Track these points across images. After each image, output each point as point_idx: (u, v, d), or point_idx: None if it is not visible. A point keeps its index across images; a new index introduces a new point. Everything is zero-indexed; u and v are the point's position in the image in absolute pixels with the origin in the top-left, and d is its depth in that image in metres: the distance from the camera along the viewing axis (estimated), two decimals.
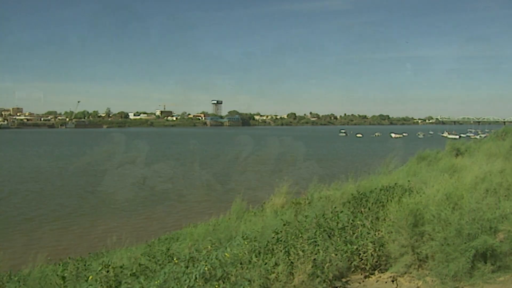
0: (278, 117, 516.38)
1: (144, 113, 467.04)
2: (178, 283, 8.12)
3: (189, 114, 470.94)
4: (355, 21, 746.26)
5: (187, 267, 8.91)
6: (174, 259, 10.18)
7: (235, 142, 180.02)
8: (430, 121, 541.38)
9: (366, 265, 10.85)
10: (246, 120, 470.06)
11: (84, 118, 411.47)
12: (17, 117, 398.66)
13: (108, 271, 8.80)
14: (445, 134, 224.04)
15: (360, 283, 10.42)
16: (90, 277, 8.33)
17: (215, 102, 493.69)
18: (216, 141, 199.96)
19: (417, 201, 11.14)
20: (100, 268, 9.05)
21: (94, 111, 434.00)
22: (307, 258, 9.29)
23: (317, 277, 9.03)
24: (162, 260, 11.06)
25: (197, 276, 8.06)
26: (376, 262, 10.98)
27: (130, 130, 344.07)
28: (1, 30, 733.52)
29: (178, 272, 8.64)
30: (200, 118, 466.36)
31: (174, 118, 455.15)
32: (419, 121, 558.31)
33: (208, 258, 9.35)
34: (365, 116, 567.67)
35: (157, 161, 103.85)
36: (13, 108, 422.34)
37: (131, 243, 21.55)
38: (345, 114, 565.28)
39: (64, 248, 33.47)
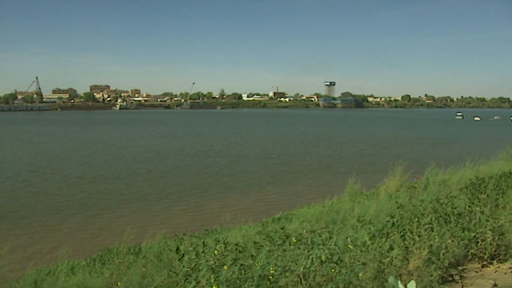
0: (392, 99, 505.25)
1: (257, 94, 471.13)
2: (293, 261, 8.24)
3: (301, 96, 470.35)
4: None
5: (301, 246, 9.00)
6: (292, 239, 10.28)
7: (350, 124, 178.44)
8: None
9: (484, 253, 10.40)
10: (359, 102, 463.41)
11: (199, 99, 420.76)
12: (135, 99, 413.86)
13: (225, 247, 9.05)
14: None
15: (477, 272, 10.01)
16: (209, 250, 8.58)
17: (328, 83, 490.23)
18: (330, 122, 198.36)
19: None
20: (214, 244, 9.31)
21: (208, 92, 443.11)
22: (423, 243, 9.12)
23: (433, 263, 8.86)
24: (277, 240, 11.22)
25: (314, 258, 8.12)
26: (495, 251, 10.53)
27: (243, 111, 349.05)
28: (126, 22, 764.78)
29: (293, 250, 8.77)
30: (313, 99, 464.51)
31: (287, 100, 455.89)
32: None
33: (322, 237, 9.38)
34: (484, 98, 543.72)
35: (277, 142, 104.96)
36: (131, 90, 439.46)
37: (245, 221, 21.94)
38: (462, 96, 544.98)
39: (180, 225, 34.64)
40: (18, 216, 39.31)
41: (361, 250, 8.77)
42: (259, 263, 8.16)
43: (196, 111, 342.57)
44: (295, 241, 9.81)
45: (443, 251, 9.33)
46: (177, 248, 8.85)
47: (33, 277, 9.50)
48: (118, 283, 8.82)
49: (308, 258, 8.16)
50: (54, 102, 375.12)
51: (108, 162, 71.91)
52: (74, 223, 37.41)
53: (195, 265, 8.09)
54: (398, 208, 11.96)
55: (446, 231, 10.02)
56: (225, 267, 7.91)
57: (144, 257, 11.95)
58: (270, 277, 7.69)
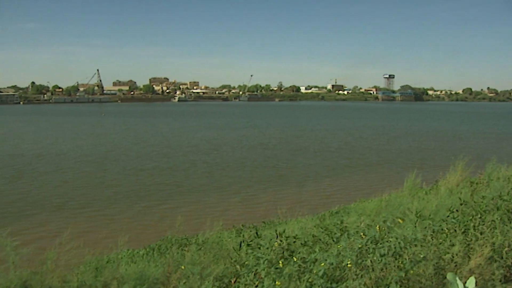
0: (453, 92, 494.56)
1: (316, 87, 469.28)
2: (353, 255, 8.17)
3: (360, 88, 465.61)
4: None
5: (360, 240, 8.91)
6: (351, 232, 10.20)
7: (409, 118, 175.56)
8: None
9: None
10: (419, 95, 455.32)
11: (257, 92, 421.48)
12: (194, 91, 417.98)
13: (281, 240, 9.03)
14: None
15: None
16: (268, 243, 8.58)
17: (387, 76, 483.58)
18: (389, 116, 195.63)
19: None
20: (273, 236, 9.30)
21: (266, 85, 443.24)
22: (486, 241, 8.88)
23: (495, 261, 8.63)
24: (335, 233, 11.13)
25: (371, 249, 8.02)
26: None
27: (301, 104, 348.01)
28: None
29: (352, 244, 8.69)
30: (372, 92, 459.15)
31: (345, 93, 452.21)
32: None
33: (382, 231, 9.26)
34: None
35: (335, 135, 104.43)
36: (190, 82, 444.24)
37: (302, 214, 21.91)
38: None
39: (237, 216, 34.86)
40: (78, 205, 40.41)
41: (421, 246, 8.62)
42: (320, 256, 8.12)
43: (254, 104, 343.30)
44: (354, 234, 9.72)
45: (506, 249, 9.07)
46: (237, 240, 8.89)
47: (94, 264, 9.71)
48: (177, 272, 8.93)
49: (371, 252, 8.06)
50: (115, 94, 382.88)
51: (167, 154, 72.92)
52: (132, 213, 38.16)
53: (253, 257, 8.11)
54: (461, 204, 11.68)
55: (509, 229, 9.74)
56: (280, 261, 7.89)
57: (201, 248, 12.07)
58: (333, 269, 7.64)
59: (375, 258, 7.91)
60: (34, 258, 8.47)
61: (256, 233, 9.16)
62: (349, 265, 7.86)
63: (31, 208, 39.27)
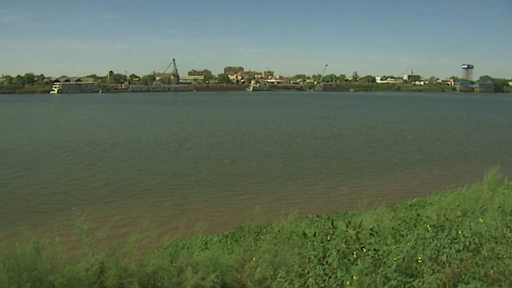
0: None
1: (391, 77, 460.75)
2: (428, 249, 7.96)
3: (437, 79, 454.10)
4: None
5: (436, 234, 8.68)
6: (427, 225, 9.95)
7: (488, 110, 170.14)
8: None
9: None
10: (499, 86, 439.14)
11: (331, 82, 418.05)
12: (268, 80, 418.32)
13: (356, 232, 8.89)
14: None
15: None
16: (343, 234, 8.48)
17: (466, 66, 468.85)
18: (467, 107, 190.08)
19: None
20: (347, 228, 9.18)
21: (341, 75, 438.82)
22: None
23: None
24: (410, 226, 10.90)
25: (447, 244, 7.81)
26: None
27: (376, 94, 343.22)
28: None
29: (428, 238, 8.47)
30: (449, 83, 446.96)
31: (422, 83, 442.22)
32: None
33: (459, 226, 9.00)
34: None
35: (411, 126, 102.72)
36: (265, 72, 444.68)
37: (376, 206, 21.61)
38: None
39: (310, 206, 34.76)
40: (153, 193, 41.43)
41: (501, 242, 8.30)
42: (395, 249, 7.96)
43: (328, 94, 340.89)
44: (428, 228, 9.47)
45: None
46: (311, 230, 8.82)
47: (169, 250, 9.88)
48: (253, 259, 8.96)
49: (447, 247, 7.83)
50: (190, 83, 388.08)
51: (241, 143, 73.56)
52: (206, 202, 38.76)
53: (327, 247, 8.03)
54: None
55: None
56: (354, 253, 7.78)
57: (274, 236, 12.07)
58: (407, 263, 7.49)
59: (451, 253, 7.68)
60: (112, 243, 8.66)
61: (332, 223, 9.06)
62: (421, 260, 7.67)
63: (108, 195, 40.53)
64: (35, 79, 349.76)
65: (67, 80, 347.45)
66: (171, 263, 8.92)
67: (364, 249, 8.02)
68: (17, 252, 7.19)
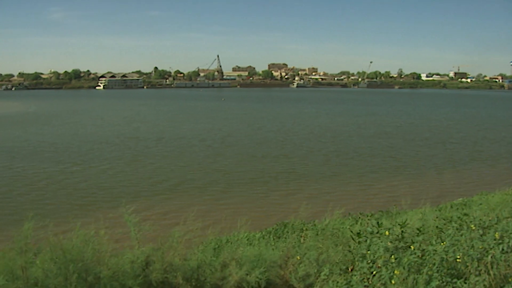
0: None
1: (437, 74, 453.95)
2: (473, 250, 7.82)
3: (484, 76, 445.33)
4: None
5: (482, 234, 8.51)
6: (472, 226, 9.76)
7: None
8: None
9: None
10: None
11: (376, 78, 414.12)
12: (312, 77, 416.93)
13: (401, 230, 8.78)
14: None
15: None
16: (386, 232, 8.37)
17: None
18: None
19: None
20: (392, 226, 9.07)
21: (386, 72, 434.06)
22: None
23: None
24: (456, 226, 10.71)
25: (493, 245, 7.66)
26: None
27: (421, 92, 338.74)
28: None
29: (474, 239, 8.31)
30: (497, 80, 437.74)
31: (468, 80, 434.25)
32: None
33: (505, 227, 8.81)
34: None
35: (457, 124, 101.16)
36: (308, 68, 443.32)
37: (421, 204, 21.33)
38: None
39: (353, 204, 34.51)
40: (195, 189, 41.92)
41: None
42: (440, 248, 7.83)
43: (372, 91, 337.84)
44: (473, 228, 9.29)
45: None
46: (354, 228, 8.76)
47: (213, 244, 9.94)
48: (297, 256, 8.93)
49: (493, 248, 7.68)
50: (234, 79, 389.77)
51: (284, 140, 73.66)
52: (248, 197, 38.98)
53: (372, 246, 7.95)
54: None
55: None
56: (400, 252, 7.68)
57: (317, 233, 11.99)
58: (452, 263, 7.36)
59: (496, 254, 7.52)
60: (156, 236, 8.74)
61: (378, 222, 8.97)
62: (466, 261, 7.54)
63: (151, 191, 41.17)
64: (82, 74, 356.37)
65: (112, 76, 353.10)
66: (215, 257, 8.96)
67: (411, 247, 7.92)
68: (64, 244, 7.30)
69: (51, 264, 7.10)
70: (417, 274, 7.12)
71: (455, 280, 7.08)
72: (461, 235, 9.09)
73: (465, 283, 7.05)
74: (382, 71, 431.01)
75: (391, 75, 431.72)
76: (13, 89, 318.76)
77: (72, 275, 7.05)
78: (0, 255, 7.13)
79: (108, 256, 7.76)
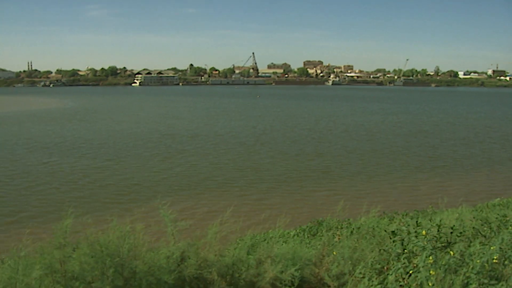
0: None
1: (475, 72, 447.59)
2: (510, 249, 7.70)
3: None
4: None
5: None
6: (510, 227, 9.63)
7: None
8: None
9: None
10: None
11: (412, 76, 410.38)
12: (348, 74, 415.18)
13: (438, 230, 8.70)
14: None
15: None
16: (423, 232, 8.30)
17: None
18: None
19: None
20: (427, 226, 9.00)
21: (422, 69, 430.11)
22: None
23: None
24: (496, 227, 10.56)
25: None
26: None
27: (458, 90, 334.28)
28: None
29: None
30: None
31: (507, 78, 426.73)
32: None
33: None
34: None
35: (496, 123, 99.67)
36: (344, 66, 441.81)
37: (458, 204, 21.09)
38: None
39: (389, 203, 34.25)
40: (234, 187, 42.06)
41: None
42: (478, 250, 7.73)
43: (409, 88, 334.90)
44: None
45: None
46: (390, 227, 8.72)
47: (248, 241, 9.95)
48: (332, 254, 8.90)
49: None
50: (269, 76, 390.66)
51: (318, 138, 73.53)
52: (283, 195, 38.94)
53: (407, 245, 7.90)
54: None
55: None
56: (437, 252, 7.60)
57: (352, 232, 11.95)
58: (490, 265, 7.26)
59: None
60: (191, 233, 8.80)
61: (417, 222, 8.91)
62: (506, 264, 7.44)
63: (185, 188, 41.40)
64: (118, 71, 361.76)
65: (148, 73, 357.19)
66: (250, 254, 8.99)
67: (449, 248, 7.85)
68: (102, 239, 7.41)
69: (89, 258, 7.22)
70: (454, 275, 7.04)
71: (493, 282, 6.98)
72: (501, 238, 8.95)
73: (504, 286, 6.95)
74: (419, 69, 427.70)
75: (427, 73, 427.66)
76: (51, 85, 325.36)
77: (109, 269, 7.16)
78: (39, 249, 7.28)
79: (144, 251, 7.85)
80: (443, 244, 8.54)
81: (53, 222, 8.05)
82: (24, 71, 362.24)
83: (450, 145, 67.32)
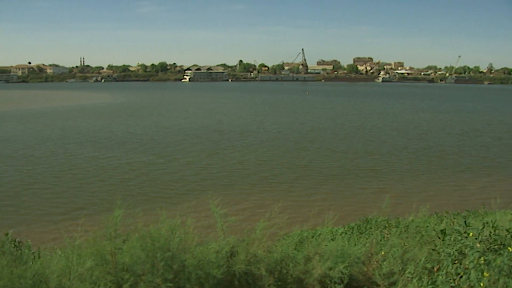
0: None
1: None
2: None
3: None
4: None
5: None
6: None
7: None
8: None
9: None
10: None
11: (464, 74, 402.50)
12: (398, 71, 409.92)
13: (490, 232, 8.52)
14: None
15: None
16: (471, 234, 8.14)
17: None
18: None
19: None
20: (481, 227, 8.82)
21: (475, 67, 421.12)
22: None
23: None
24: None
25: None
26: None
27: None
28: None
29: None
30: None
31: None
32: None
33: None
34: None
35: None
36: (394, 63, 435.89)
37: (508, 206, 20.68)
38: None
39: (438, 202, 33.72)
40: (281, 183, 42.08)
41: None
42: None
43: (461, 86, 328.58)
44: None
45: None
46: (440, 227, 8.58)
47: (296, 238, 9.96)
48: (381, 253, 8.83)
49: None
50: (319, 73, 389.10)
51: (368, 136, 73.04)
52: (330, 192, 38.76)
53: (460, 246, 7.76)
54: None
55: None
56: (489, 254, 7.44)
57: (401, 231, 11.83)
58: None
59: None
60: (240, 228, 8.84)
61: (465, 222, 8.74)
62: None
63: (232, 183, 41.80)
64: (168, 67, 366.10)
65: (198, 69, 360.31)
66: (298, 251, 8.98)
67: (502, 249, 7.68)
68: (153, 232, 7.51)
69: (140, 251, 7.32)
70: (508, 278, 6.88)
71: None
72: None
73: None
74: (471, 66, 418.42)
75: (480, 70, 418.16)
76: (103, 80, 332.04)
77: (159, 262, 7.24)
78: (91, 240, 7.42)
79: (193, 245, 7.92)
80: (496, 246, 8.36)
81: (102, 214, 8.21)
82: (77, 66, 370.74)
83: (503, 144, 65.78)
